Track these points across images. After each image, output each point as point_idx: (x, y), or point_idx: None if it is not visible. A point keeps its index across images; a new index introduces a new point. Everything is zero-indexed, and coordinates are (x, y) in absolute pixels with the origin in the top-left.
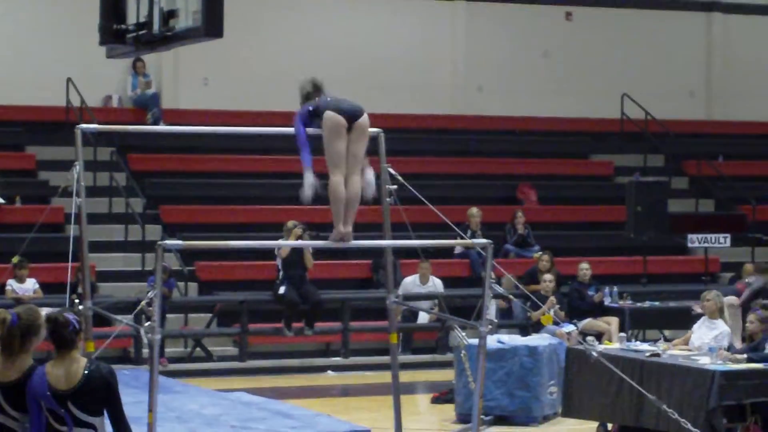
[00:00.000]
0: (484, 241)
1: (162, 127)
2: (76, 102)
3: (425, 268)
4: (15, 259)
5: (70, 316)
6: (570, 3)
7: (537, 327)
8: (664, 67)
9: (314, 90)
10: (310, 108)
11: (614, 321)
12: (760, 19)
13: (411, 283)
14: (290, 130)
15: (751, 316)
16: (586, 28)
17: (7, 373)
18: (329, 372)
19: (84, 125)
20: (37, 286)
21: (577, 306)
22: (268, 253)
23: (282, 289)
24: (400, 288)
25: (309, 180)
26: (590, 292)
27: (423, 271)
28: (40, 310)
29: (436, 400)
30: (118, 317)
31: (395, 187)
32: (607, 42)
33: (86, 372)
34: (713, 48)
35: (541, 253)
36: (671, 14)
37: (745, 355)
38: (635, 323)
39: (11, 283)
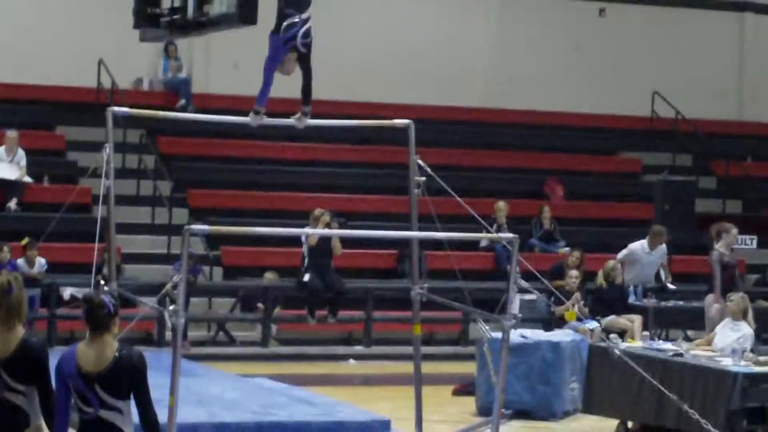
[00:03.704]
0: (510, 235)
1: (192, 115)
2: (107, 83)
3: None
4: (24, 241)
5: (106, 298)
6: None
7: (560, 323)
8: (695, 66)
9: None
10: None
11: (637, 319)
12: None
13: None
14: (322, 121)
15: None
16: (619, 25)
17: (6, 347)
18: (351, 361)
19: (115, 108)
20: (45, 267)
21: (606, 304)
22: (294, 240)
23: (306, 277)
24: None
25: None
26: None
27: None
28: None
29: (457, 393)
30: (143, 299)
31: (423, 178)
32: (639, 39)
33: (116, 356)
34: (745, 48)
35: (568, 249)
36: (704, 13)
37: None
38: (658, 322)
39: (20, 264)
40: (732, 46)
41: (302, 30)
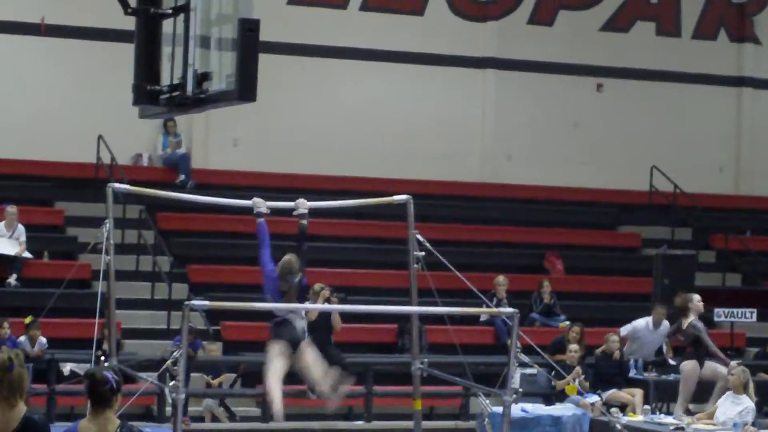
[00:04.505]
0: (510, 310)
1: (192, 196)
2: (106, 159)
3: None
4: (28, 320)
5: (109, 375)
6: (601, 74)
7: (561, 396)
8: (693, 141)
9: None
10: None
11: (638, 393)
12: None
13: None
14: (323, 203)
15: None
16: (617, 100)
17: (8, 424)
18: None
19: (115, 184)
20: (46, 346)
21: (606, 378)
22: None
23: None
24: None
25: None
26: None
27: None
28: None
29: None
30: (143, 375)
31: (423, 253)
32: (637, 114)
33: None
34: (743, 123)
35: (569, 323)
36: (702, 88)
37: None
38: (660, 395)
39: (22, 341)
40: (730, 120)
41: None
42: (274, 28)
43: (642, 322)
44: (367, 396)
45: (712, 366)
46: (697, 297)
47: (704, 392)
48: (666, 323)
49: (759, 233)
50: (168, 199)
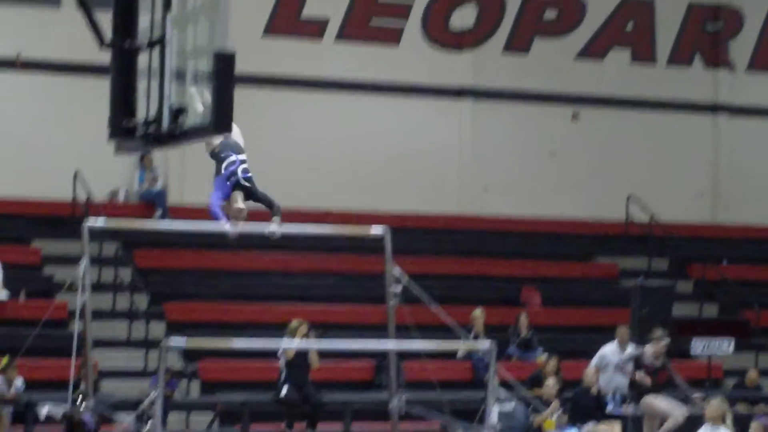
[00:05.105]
0: (487, 344)
1: (166, 222)
2: (82, 195)
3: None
4: (4, 361)
5: (87, 417)
6: (577, 103)
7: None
8: (670, 169)
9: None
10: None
11: (617, 426)
12: (766, 123)
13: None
14: (298, 228)
15: (754, 424)
16: (593, 129)
17: None
18: None
19: (91, 221)
20: (22, 389)
21: (584, 412)
22: (271, 353)
23: (284, 391)
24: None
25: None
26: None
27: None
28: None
29: None
30: (120, 416)
31: (400, 287)
32: (613, 143)
33: None
34: (719, 151)
35: (546, 355)
36: (678, 116)
37: None
38: (638, 429)
39: None
40: (706, 148)
41: (241, 166)
42: (250, 59)
43: (608, 348)
44: None
45: (664, 404)
46: (665, 341)
47: (689, 427)
48: (632, 348)
49: (736, 262)
50: (144, 236)
